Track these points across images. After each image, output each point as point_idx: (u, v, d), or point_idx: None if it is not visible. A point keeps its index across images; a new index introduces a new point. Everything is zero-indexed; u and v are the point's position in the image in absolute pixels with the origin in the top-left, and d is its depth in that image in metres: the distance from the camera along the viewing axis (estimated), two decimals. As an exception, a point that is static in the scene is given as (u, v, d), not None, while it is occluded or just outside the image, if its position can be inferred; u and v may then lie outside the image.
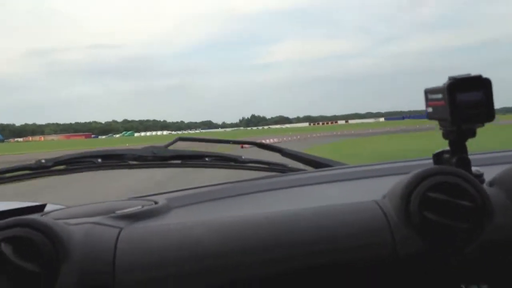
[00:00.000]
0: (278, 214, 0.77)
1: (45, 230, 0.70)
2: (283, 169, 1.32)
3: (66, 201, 1.23)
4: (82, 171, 1.13)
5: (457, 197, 0.69)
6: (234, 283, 0.70)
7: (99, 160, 1.14)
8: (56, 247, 0.69)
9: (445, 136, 0.81)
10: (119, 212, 0.86)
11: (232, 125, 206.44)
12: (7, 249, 0.67)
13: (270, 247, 0.71)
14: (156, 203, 0.95)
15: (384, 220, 0.72)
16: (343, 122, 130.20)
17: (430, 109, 0.82)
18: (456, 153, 0.80)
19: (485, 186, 0.76)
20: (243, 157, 1.32)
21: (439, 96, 0.78)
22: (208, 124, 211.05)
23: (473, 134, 0.79)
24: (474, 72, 0.76)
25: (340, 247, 0.71)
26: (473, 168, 0.81)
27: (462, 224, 0.68)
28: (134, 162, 1.18)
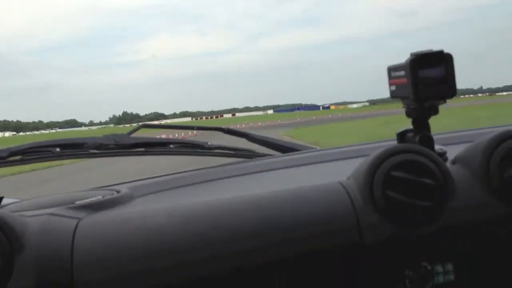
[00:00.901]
0: (241, 199, 0.75)
1: None
2: (250, 155, 1.30)
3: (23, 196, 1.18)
4: (39, 161, 1.08)
5: (420, 175, 0.69)
6: (196, 272, 0.68)
7: (58, 149, 1.10)
8: (10, 239, 0.66)
9: (408, 114, 0.81)
10: (78, 202, 0.83)
11: (101, 124, 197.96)
12: None
13: (232, 234, 0.69)
14: (118, 192, 0.92)
15: (349, 201, 0.71)
16: (229, 115, 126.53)
17: (393, 87, 0.81)
18: (419, 131, 0.80)
19: (448, 164, 0.76)
20: (209, 143, 1.29)
21: (402, 73, 0.76)
22: (73, 123, 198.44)
23: (435, 111, 0.79)
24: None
25: (304, 234, 0.69)
26: (436, 147, 0.81)
27: (425, 202, 0.68)
28: (95, 151, 1.14)
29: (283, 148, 1.34)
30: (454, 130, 1.27)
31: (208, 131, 1.52)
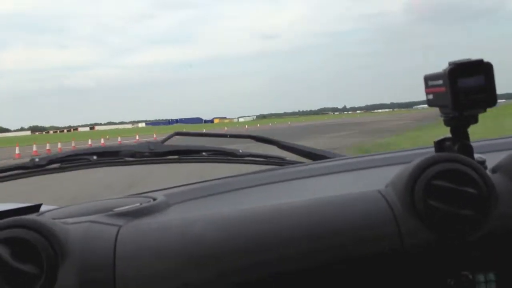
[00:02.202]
0: (279, 207, 0.76)
1: (42, 230, 0.69)
2: (281, 162, 1.30)
3: (60, 203, 1.20)
4: (77, 169, 1.11)
5: (461, 185, 0.68)
6: (239, 279, 0.68)
7: (94, 157, 1.12)
8: (54, 247, 0.68)
9: (446, 123, 0.80)
10: (117, 210, 0.84)
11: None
12: (4, 251, 0.65)
13: (272, 241, 0.70)
14: (154, 199, 0.93)
15: (389, 209, 0.71)
16: (87, 129, 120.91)
17: (430, 96, 0.80)
18: (458, 140, 0.79)
19: (488, 172, 0.75)
20: (240, 151, 1.30)
21: (440, 82, 0.76)
22: None
23: (475, 120, 0.78)
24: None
25: (344, 241, 0.69)
26: (476, 155, 0.80)
27: (468, 211, 0.67)
28: (131, 159, 1.16)
29: (314, 156, 1.34)
30: (491, 138, 1.25)
31: (239, 140, 1.53)
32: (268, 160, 1.31)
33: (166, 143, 1.26)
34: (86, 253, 0.69)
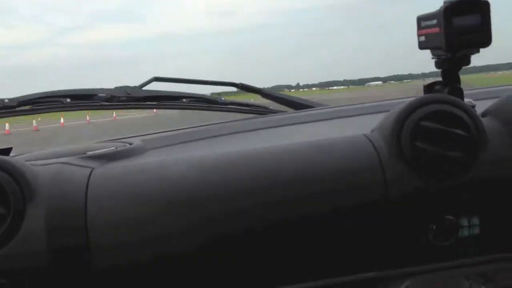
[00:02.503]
0: (261, 151, 0.73)
1: (10, 170, 0.65)
2: (264, 111, 1.26)
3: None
4: (49, 111, 1.05)
5: (451, 126, 0.65)
6: (216, 226, 0.66)
7: (68, 100, 1.06)
8: (22, 187, 0.64)
9: (438, 65, 0.77)
10: (90, 153, 0.80)
11: None
12: None
13: (254, 187, 0.67)
14: (130, 144, 0.89)
15: (375, 154, 0.68)
16: None
17: (422, 38, 0.77)
18: (449, 83, 0.76)
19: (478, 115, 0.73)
20: (222, 99, 1.26)
21: (433, 22, 0.72)
22: None
23: (467, 61, 0.75)
24: None
25: (328, 187, 0.67)
26: (466, 100, 0.77)
27: (456, 153, 0.65)
28: (106, 103, 1.11)
29: (298, 105, 1.30)
30: (480, 86, 1.23)
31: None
32: (251, 108, 1.27)
33: (145, 88, 1.21)
34: (55, 196, 0.65)
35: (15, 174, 0.65)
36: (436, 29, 0.72)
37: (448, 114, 0.66)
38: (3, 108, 1.00)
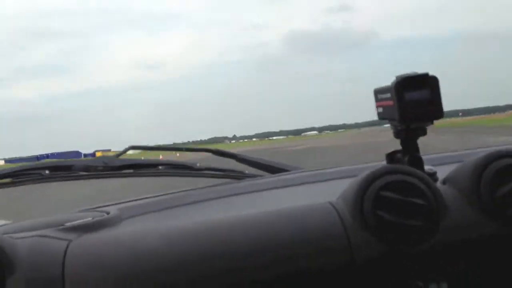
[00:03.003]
0: (230, 220, 0.75)
1: None
2: (239, 176, 1.30)
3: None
4: (28, 184, 1.07)
5: (410, 196, 0.69)
6: None
7: (47, 171, 1.09)
8: (0, 261, 0.66)
9: (396, 135, 0.82)
10: (67, 224, 0.82)
11: None
12: None
13: (223, 255, 0.69)
14: (107, 213, 0.91)
15: (339, 221, 0.71)
16: None
17: (380, 109, 0.82)
18: (408, 152, 0.81)
19: (438, 184, 0.78)
20: (198, 165, 1.29)
21: (388, 95, 0.78)
22: None
23: (423, 132, 0.80)
24: None
25: (294, 253, 0.69)
26: (426, 167, 0.82)
27: (417, 222, 0.68)
28: (84, 173, 1.14)
29: (272, 169, 1.34)
30: (444, 151, 1.29)
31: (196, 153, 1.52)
32: (226, 173, 1.31)
33: (121, 157, 1.24)
34: (34, 268, 0.67)
35: None
36: (391, 102, 0.77)
37: (407, 184, 0.70)
38: None
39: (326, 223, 0.71)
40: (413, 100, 0.75)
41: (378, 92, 0.82)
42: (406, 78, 0.75)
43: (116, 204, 1.07)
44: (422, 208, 0.69)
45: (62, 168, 1.13)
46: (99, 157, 1.19)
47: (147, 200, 1.08)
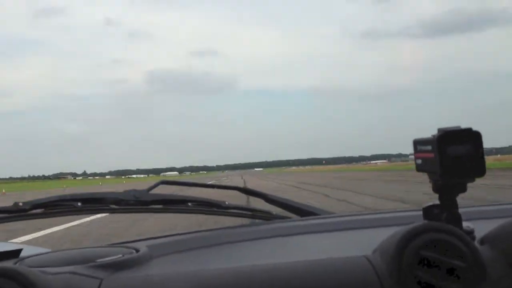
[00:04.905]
0: (263, 268, 0.75)
1: (23, 281, 0.67)
2: (267, 216, 1.29)
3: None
4: (61, 215, 1.09)
5: (449, 256, 0.68)
6: None
7: (79, 203, 1.10)
8: None
9: (434, 189, 0.80)
10: (98, 261, 0.82)
11: None
12: None
13: None
14: (137, 251, 0.91)
15: (375, 278, 0.70)
16: None
17: (419, 161, 0.80)
18: (447, 208, 0.79)
19: (476, 243, 0.75)
20: (226, 203, 1.29)
21: (429, 147, 0.76)
22: None
23: (463, 189, 0.78)
24: None
25: None
26: (464, 224, 0.80)
27: (455, 285, 0.66)
28: (115, 206, 1.15)
29: (301, 212, 1.33)
30: (479, 204, 1.26)
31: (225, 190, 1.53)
32: (254, 213, 1.31)
33: (152, 191, 1.25)
34: None
35: (25, 284, 0.67)
36: (431, 155, 0.75)
37: (447, 244, 0.69)
38: (17, 212, 1.03)
39: (362, 279, 0.70)
40: (456, 155, 0.73)
41: (418, 143, 0.80)
42: (449, 131, 0.74)
43: (144, 240, 1.08)
44: (461, 270, 0.67)
45: (94, 200, 1.14)
46: (130, 191, 1.20)
47: (175, 238, 1.08)
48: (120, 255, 0.87)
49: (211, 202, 1.29)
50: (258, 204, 1.46)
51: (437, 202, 0.81)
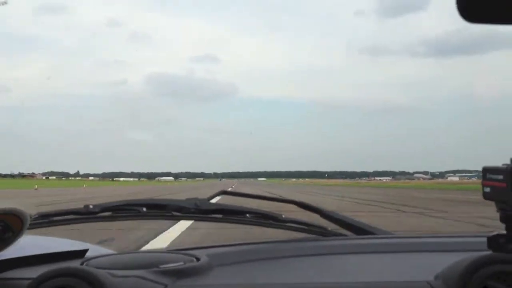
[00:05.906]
0: (325, 287, 0.75)
1: (93, 281, 0.71)
2: (323, 232, 1.30)
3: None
4: (127, 219, 1.14)
5: None
6: None
7: (144, 209, 1.16)
8: None
9: (502, 219, 0.78)
10: (162, 267, 0.86)
11: None
12: None
13: None
14: (197, 259, 0.95)
15: None
16: None
17: (487, 189, 0.79)
18: None
19: None
20: (283, 216, 1.31)
21: (500, 177, 0.75)
22: None
23: None
24: None
25: None
26: None
27: None
28: (177, 213, 1.19)
29: (358, 230, 1.32)
30: None
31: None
32: (310, 228, 1.31)
33: (212, 201, 1.28)
34: None
35: (96, 285, 0.71)
36: (503, 185, 0.74)
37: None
38: (87, 214, 1.09)
39: None
40: None
41: (488, 171, 0.78)
42: None
43: (203, 248, 1.11)
44: None
45: (158, 206, 1.19)
46: (192, 199, 1.24)
47: (234, 248, 1.10)
48: (182, 263, 0.90)
49: (268, 214, 1.31)
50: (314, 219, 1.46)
51: (503, 231, 0.79)
